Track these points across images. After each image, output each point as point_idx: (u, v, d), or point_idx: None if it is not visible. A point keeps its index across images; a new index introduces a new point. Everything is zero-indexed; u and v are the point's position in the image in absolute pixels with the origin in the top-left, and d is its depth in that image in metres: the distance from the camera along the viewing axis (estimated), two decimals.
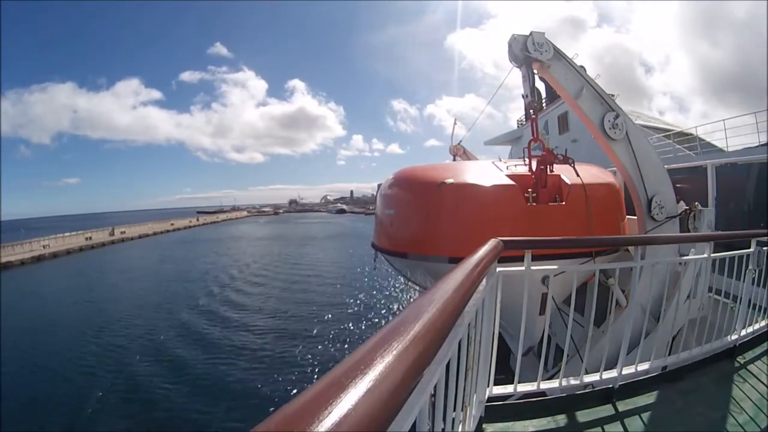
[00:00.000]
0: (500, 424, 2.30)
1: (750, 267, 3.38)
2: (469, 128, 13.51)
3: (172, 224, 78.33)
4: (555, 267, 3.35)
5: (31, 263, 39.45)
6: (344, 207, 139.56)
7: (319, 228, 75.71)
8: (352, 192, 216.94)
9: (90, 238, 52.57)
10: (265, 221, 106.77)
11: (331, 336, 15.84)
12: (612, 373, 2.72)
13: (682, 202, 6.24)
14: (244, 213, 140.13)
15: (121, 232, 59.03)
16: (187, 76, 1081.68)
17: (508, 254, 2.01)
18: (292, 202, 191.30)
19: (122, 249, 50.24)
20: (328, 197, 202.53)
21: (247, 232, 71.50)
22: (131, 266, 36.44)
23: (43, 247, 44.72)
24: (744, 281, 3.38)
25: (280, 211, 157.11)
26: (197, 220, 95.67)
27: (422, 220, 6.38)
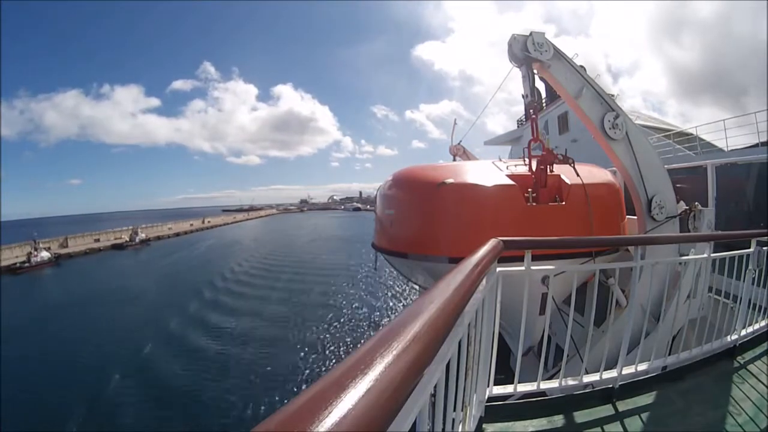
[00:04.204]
0: (500, 424, 2.30)
1: (750, 267, 3.38)
2: (464, 134, 13.60)
3: (234, 217, 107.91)
4: (555, 267, 3.35)
5: (173, 237, 59.91)
6: (359, 206, 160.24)
7: (352, 213, 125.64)
8: (361, 192, 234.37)
9: (192, 224, 76.66)
10: (306, 215, 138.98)
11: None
12: (612, 373, 2.72)
13: (682, 202, 6.22)
14: (274, 210, 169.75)
15: (208, 221, 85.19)
16: (179, 84, 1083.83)
17: (508, 254, 2.01)
18: (303, 201, 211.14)
19: (228, 229, 75.47)
20: (334, 197, 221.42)
21: (311, 218, 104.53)
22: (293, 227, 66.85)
23: (169, 228, 66.38)
24: (744, 281, 3.38)
25: (305, 208, 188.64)
26: (248, 214, 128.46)
27: (422, 221, 6.36)
